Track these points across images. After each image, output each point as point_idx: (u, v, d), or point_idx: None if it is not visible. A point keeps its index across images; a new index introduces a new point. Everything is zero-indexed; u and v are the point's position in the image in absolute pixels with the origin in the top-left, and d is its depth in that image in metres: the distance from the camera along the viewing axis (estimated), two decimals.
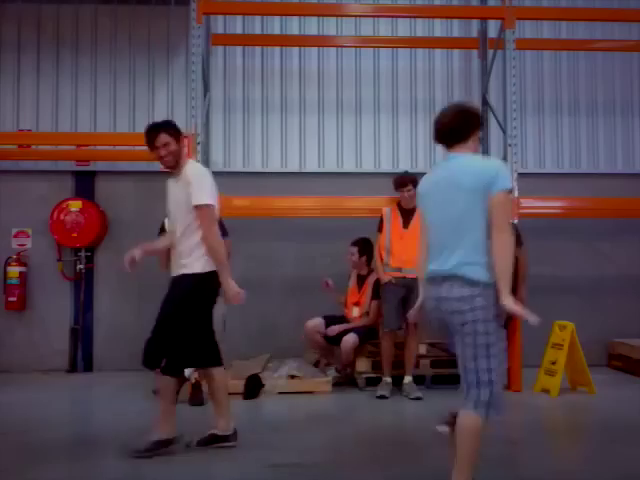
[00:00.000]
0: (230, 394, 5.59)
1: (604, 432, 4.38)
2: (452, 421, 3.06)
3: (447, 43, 7.67)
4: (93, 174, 7.27)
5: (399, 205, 5.90)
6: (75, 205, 6.97)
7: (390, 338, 5.74)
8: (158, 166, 6.06)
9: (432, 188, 3.11)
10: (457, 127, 3.08)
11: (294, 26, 7.53)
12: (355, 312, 6.21)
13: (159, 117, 7.28)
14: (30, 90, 7.32)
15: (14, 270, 6.97)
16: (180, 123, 7.09)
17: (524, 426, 4.30)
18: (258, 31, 7.53)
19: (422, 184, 3.26)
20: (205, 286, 3.87)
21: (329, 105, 7.54)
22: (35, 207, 7.11)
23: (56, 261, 7.08)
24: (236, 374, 5.87)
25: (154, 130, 3.89)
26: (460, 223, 2.93)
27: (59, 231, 7.00)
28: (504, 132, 6.48)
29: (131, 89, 7.38)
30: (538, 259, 6.56)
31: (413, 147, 7.59)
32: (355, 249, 6.25)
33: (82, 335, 7.02)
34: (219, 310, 5.30)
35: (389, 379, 5.76)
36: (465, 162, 3.03)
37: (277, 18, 7.49)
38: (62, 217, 6.99)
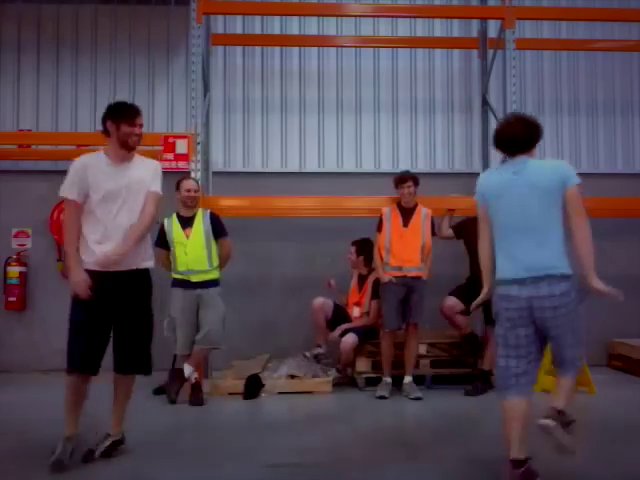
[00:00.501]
0: (230, 394, 5.64)
1: (604, 432, 4.38)
2: (554, 415, 3.18)
3: (447, 43, 7.67)
4: None
5: (399, 204, 5.90)
6: None
7: (390, 338, 5.74)
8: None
9: (506, 190, 3.28)
10: (525, 137, 3.33)
11: (294, 26, 7.54)
12: (356, 312, 6.22)
13: (159, 117, 7.36)
14: (30, 90, 7.32)
15: (14, 270, 6.97)
16: (180, 123, 7.29)
17: None
18: (258, 31, 7.53)
19: (487, 184, 3.42)
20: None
21: (329, 105, 7.54)
22: (35, 207, 7.10)
23: (56, 261, 7.08)
24: (236, 374, 5.87)
25: (137, 109, 3.90)
26: (543, 223, 3.19)
27: (59, 231, 6.99)
28: None
29: (131, 89, 7.38)
30: None
31: (413, 147, 7.59)
32: (353, 249, 6.29)
33: None
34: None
35: (389, 379, 5.76)
36: (538, 165, 3.30)
37: (277, 18, 7.49)
38: (62, 217, 6.98)
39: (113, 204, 3.75)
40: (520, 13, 6.70)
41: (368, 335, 6.07)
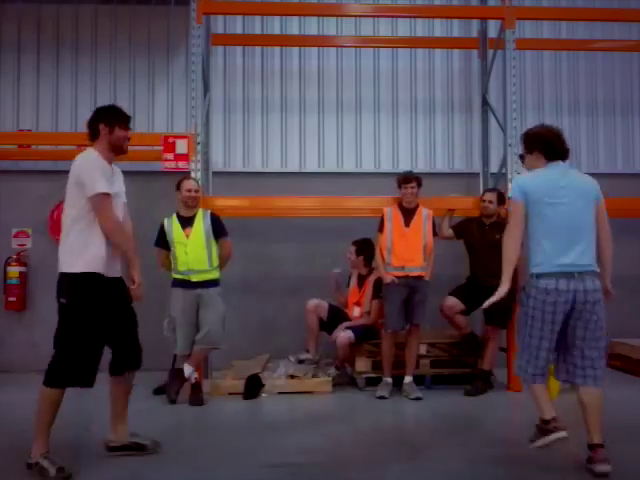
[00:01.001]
0: (230, 394, 5.64)
1: (604, 432, 4.38)
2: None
3: (447, 43, 7.67)
4: None
5: (400, 205, 5.90)
6: None
7: (391, 338, 5.74)
8: (158, 166, 6.16)
9: (557, 191, 3.59)
10: (568, 148, 3.77)
11: (294, 26, 7.54)
12: (356, 312, 6.21)
13: (159, 117, 7.37)
14: (30, 90, 7.32)
15: (14, 270, 6.97)
16: (180, 123, 7.28)
17: (524, 426, 4.29)
18: (258, 31, 7.53)
19: (534, 184, 3.63)
20: None
21: (329, 105, 7.54)
22: (35, 207, 7.11)
23: (56, 261, 7.06)
24: (236, 374, 5.87)
25: (128, 114, 3.91)
26: (585, 224, 3.59)
27: (59, 231, 6.96)
28: (504, 132, 6.48)
29: (131, 89, 7.38)
30: None
31: (413, 147, 7.59)
32: (353, 248, 6.30)
33: None
34: None
35: (389, 379, 5.76)
36: (579, 174, 3.76)
37: (277, 18, 7.49)
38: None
39: (116, 208, 3.77)
40: (520, 13, 6.70)
41: (367, 334, 6.07)
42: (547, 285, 3.53)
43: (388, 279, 5.68)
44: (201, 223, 5.50)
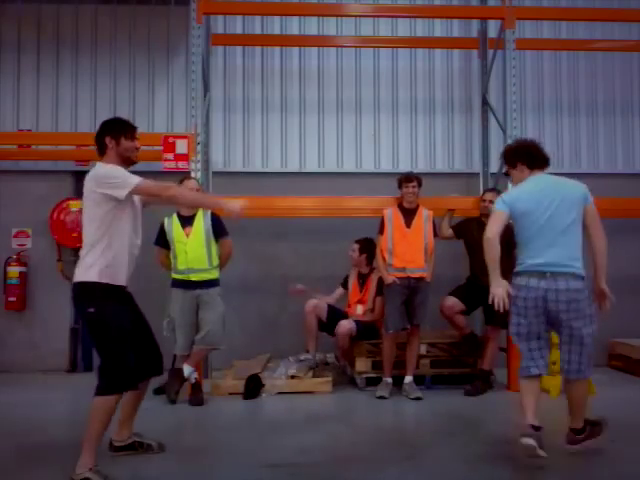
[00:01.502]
0: (230, 394, 5.64)
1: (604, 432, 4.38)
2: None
3: (447, 43, 7.67)
4: None
5: (400, 205, 5.90)
6: (75, 205, 6.97)
7: (392, 339, 5.73)
8: (158, 166, 6.16)
9: (539, 201, 3.75)
10: (549, 157, 3.97)
11: (294, 26, 7.54)
12: (359, 310, 6.21)
13: (159, 117, 7.37)
14: (30, 90, 7.32)
15: (14, 270, 6.97)
16: (180, 123, 7.28)
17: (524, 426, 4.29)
18: (258, 31, 7.53)
19: (518, 197, 3.82)
20: None
21: (329, 105, 7.54)
22: (35, 207, 7.11)
23: (56, 261, 7.08)
24: (236, 374, 5.87)
25: (134, 124, 3.87)
26: (566, 228, 3.72)
27: (59, 231, 7.01)
28: (504, 132, 6.48)
29: (131, 89, 7.38)
30: None
31: (413, 147, 7.59)
32: (357, 246, 6.30)
33: (82, 335, 7.01)
34: None
35: (389, 379, 5.75)
36: (559, 180, 3.87)
37: (277, 18, 7.49)
38: (62, 217, 7.00)
39: (136, 218, 3.76)
40: (520, 13, 6.70)
41: (368, 330, 6.06)
42: (520, 282, 3.79)
43: (389, 280, 5.68)
44: (201, 222, 5.50)
